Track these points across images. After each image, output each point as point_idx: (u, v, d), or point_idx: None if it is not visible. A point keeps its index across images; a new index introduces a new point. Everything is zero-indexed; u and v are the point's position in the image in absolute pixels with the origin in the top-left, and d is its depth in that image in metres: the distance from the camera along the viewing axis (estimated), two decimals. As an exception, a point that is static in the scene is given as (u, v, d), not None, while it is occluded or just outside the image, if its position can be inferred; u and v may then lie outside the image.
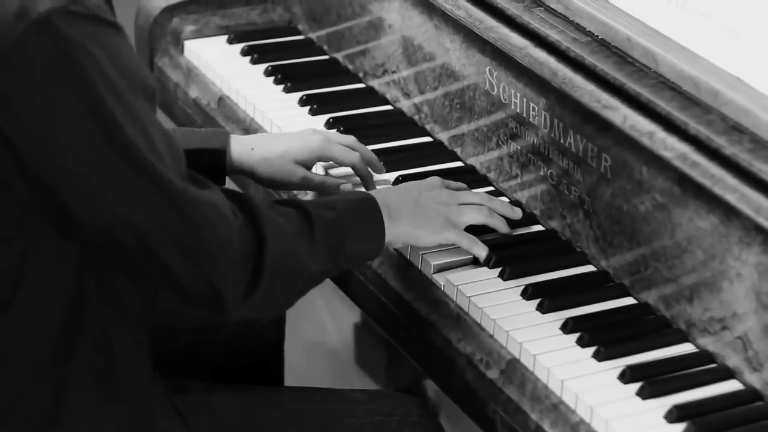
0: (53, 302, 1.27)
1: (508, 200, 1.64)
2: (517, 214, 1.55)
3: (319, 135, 1.63)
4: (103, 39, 1.12)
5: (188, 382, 1.66)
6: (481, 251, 1.48)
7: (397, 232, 1.41)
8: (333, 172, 1.66)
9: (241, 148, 1.60)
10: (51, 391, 1.32)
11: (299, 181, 1.59)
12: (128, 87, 1.14)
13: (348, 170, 1.64)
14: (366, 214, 1.38)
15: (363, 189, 1.61)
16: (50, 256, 1.24)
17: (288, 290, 1.33)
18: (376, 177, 1.65)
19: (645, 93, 1.41)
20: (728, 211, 1.31)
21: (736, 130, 1.33)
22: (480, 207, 1.50)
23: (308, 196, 1.64)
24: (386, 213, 1.39)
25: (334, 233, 1.33)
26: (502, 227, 1.52)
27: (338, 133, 1.70)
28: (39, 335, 1.29)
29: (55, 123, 1.12)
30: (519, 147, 1.63)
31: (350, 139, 1.66)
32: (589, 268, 1.52)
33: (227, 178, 1.64)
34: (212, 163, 1.59)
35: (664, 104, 1.38)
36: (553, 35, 1.53)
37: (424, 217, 1.42)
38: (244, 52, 2.01)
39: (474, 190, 1.57)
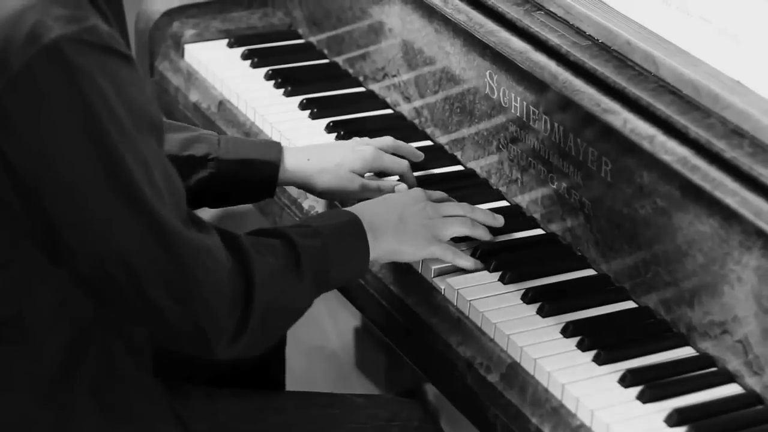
0: (56, 324, 1.26)
1: (507, 204, 1.65)
2: (499, 222, 1.55)
3: (369, 146, 1.64)
4: (112, 70, 1.11)
5: (189, 387, 1.66)
6: (467, 263, 1.49)
7: (382, 251, 1.41)
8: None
9: (297, 159, 1.61)
10: (55, 411, 1.31)
11: (358, 188, 1.61)
12: (133, 121, 1.12)
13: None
14: (351, 237, 1.38)
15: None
16: (51, 278, 1.23)
17: (276, 329, 1.34)
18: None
19: (645, 97, 1.41)
20: (728, 215, 1.31)
21: (736, 133, 1.33)
22: (463, 219, 1.49)
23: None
24: (371, 233, 1.39)
25: (321, 262, 1.33)
26: (485, 236, 1.52)
27: (378, 138, 1.70)
28: (42, 356, 1.28)
29: (55, 151, 1.11)
30: (519, 151, 1.63)
31: (388, 139, 1.66)
32: (590, 272, 1.52)
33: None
34: (265, 174, 1.60)
35: (664, 108, 1.38)
36: (554, 39, 1.54)
37: (408, 234, 1.42)
38: (245, 56, 2.01)
39: (457, 202, 1.56)
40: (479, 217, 1.51)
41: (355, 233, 1.38)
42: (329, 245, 1.34)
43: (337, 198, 1.66)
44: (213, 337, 1.21)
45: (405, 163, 1.65)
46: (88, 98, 1.09)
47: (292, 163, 1.61)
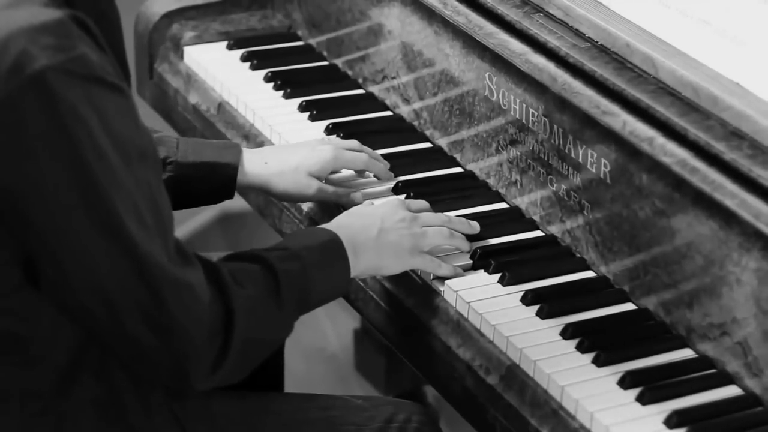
0: (54, 334, 1.25)
1: (506, 205, 1.65)
2: (475, 229, 1.54)
3: (329, 145, 1.63)
4: (99, 101, 1.09)
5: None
6: (447, 272, 1.48)
7: (364, 267, 1.40)
8: (333, 177, 1.66)
9: (254, 162, 1.61)
10: (53, 421, 1.31)
11: (314, 193, 1.60)
12: (119, 153, 1.10)
13: (349, 172, 1.67)
14: (332, 257, 1.36)
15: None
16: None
17: (255, 359, 1.32)
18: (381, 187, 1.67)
19: (644, 99, 1.41)
20: (728, 217, 1.31)
21: (735, 135, 1.33)
22: (441, 229, 1.47)
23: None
24: (351, 250, 1.37)
25: (301, 287, 1.31)
26: (464, 246, 1.51)
27: (342, 140, 1.70)
28: (41, 367, 1.28)
29: (37, 183, 1.09)
30: (518, 153, 1.63)
31: (354, 143, 1.67)
32: (589, 274, 1.52)
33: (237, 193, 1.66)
34: (224, 176, 1.59)
35: (663, 110, 1.38)
36: (553, 41, 1.54)
37: (388, 248, 1.41)
38: (244, 58, 2.01)
39: (434, 213, 1.54)
40: (456, 227, 1.51)
41: (335, 253, 1.36)
42: (309, 268, 1.32)
43: (295, 201, 1.66)
44: (192, 370, 1.21)
45: (365, 156, 1.64)
46: (71, 130, 1.07)
47: (250, 167, 1.60)
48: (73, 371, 1.27)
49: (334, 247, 1.36)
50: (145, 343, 1.18)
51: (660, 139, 1.37)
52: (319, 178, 1.63)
